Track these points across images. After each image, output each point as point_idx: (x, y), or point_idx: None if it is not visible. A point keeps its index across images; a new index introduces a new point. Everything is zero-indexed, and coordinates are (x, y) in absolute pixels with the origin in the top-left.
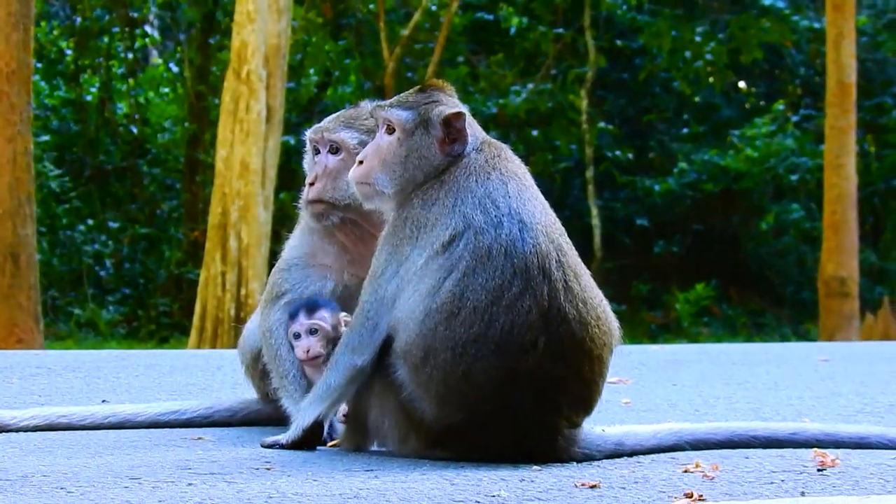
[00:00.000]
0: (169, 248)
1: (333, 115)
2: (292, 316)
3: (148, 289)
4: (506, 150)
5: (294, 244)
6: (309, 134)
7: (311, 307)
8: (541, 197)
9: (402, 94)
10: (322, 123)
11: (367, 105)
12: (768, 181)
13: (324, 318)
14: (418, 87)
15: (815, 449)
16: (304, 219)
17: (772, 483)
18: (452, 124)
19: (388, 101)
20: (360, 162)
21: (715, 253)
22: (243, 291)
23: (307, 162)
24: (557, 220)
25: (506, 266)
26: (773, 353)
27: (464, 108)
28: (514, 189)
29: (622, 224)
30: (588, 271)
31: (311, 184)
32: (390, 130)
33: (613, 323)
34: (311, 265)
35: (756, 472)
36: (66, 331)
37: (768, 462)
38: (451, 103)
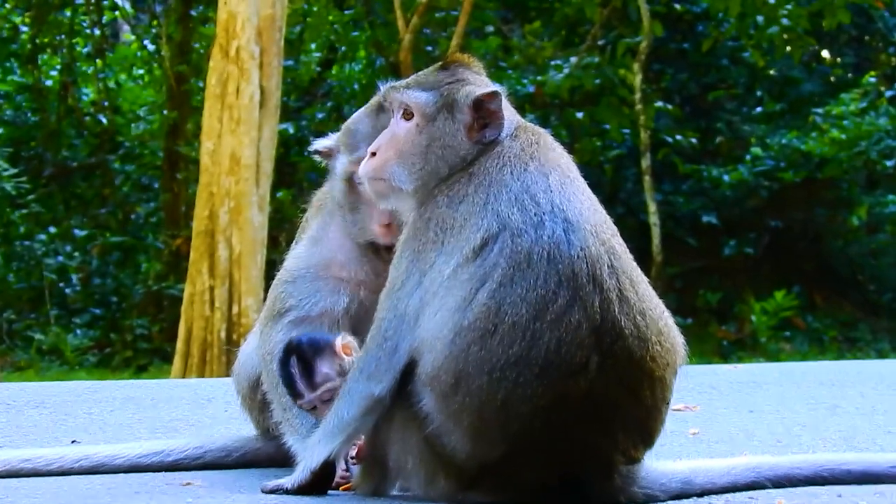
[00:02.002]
0: (146, 259)
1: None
2: (292, 392)
3: (122, 308)
4: (545, 137)
5: (301, 252)
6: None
7: (309, 370)
8: (588, 191)
9: (420, 73)
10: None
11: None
12: (859, 168)
13: (329, 377)
14: (440, 63)
15: None
16: (328, 208)
17: None
18: (485, 106)
19: (404, 82)
20: (373, 154)
21: (796, 254)
22: (235, 309)
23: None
24: (608, 218)
25: (549, 273)
26: (868, 373)
27: (498, 88)
28: (557, 182)
29: (686, 222)
30: (646, 278)
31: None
32: (408, 116)
33: (677, 339)
34: (321, 277)
35: None
36: (27, 359)
37: (864, 501)
38: (479, 82)
